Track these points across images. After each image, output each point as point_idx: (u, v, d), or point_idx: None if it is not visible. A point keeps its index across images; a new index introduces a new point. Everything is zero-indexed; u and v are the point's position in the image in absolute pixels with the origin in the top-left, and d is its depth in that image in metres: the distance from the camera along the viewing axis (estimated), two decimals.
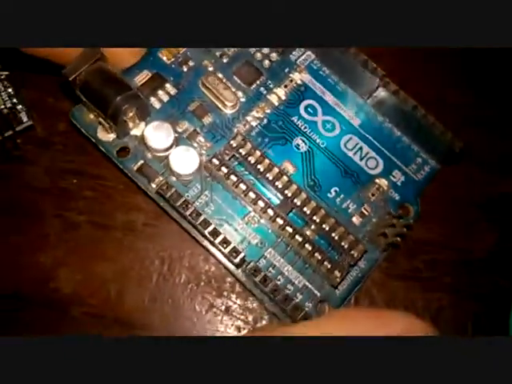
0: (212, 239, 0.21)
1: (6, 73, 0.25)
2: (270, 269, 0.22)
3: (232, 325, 0.23)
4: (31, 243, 0.23)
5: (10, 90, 0.25)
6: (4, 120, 0.24)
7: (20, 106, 0.25)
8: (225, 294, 0.23)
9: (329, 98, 0.25)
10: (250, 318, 0.23)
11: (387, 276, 0.24)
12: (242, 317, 0.23)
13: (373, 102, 0.25)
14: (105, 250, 0.24)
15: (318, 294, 0.22)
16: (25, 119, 0.25)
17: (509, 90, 0.27)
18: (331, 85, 0.25)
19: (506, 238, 0.25)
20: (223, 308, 0.23)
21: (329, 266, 0.22)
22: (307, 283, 0.22)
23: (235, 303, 0.23)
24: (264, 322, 0.23)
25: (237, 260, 0.21)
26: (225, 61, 0.25)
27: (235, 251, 0.21)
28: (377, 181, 0.24)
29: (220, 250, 0.21)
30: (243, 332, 0.23)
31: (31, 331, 0.22)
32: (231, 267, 0.22)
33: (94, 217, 0.24)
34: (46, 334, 0.22)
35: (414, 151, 0.25)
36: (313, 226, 0.23)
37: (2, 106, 0.24)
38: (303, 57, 0.26)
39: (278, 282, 0.22)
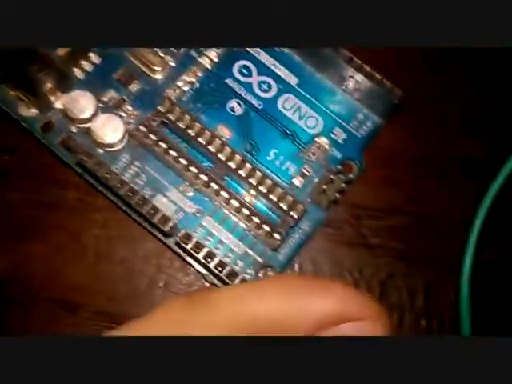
0: (139, 210, 0.20)
1: None
2: (209, 237, 0.21)
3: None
4: None
5: None
6: None
7: None
8: (163, 269, 0.22)
9: (263, 57, 0.24)
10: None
11: (332, 243, 0.23)
12: (183, 292, 0.22)
13: (310, 59, 0.24)
14: (37, 229, 0.23)
15: (260, 260, 0.21)
16: None
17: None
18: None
19: (455, 199, 0.24)
20: (162, 284, 0.22)
21: (268, 229, 0.21)
22: (248, 249, 0.21)
23: (175, 278, 0.22)
24: None
25: (167, 228, 0.20)
26: None
27: (165, 219, 0.20)
28: (317, 140, 0.23)
29: (149, 221, 0.20)
30: None
31: None
32: (163, 238, 0.21)
33: (26, 194, 0.23)
34: None
35: (355, 107, 0.24)
36: (251, 191, 0.22)
37: None
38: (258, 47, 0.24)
39: (217, 251, 0.21)
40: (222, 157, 0.21)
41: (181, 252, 0.21)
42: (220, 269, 0.20)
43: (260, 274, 0.21)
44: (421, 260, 0.23)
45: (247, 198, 0.22)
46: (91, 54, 0.23)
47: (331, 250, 0.23)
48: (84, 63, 0.23)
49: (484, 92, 0.25)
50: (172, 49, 0.23)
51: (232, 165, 0.21)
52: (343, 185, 0.21)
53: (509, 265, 0.23)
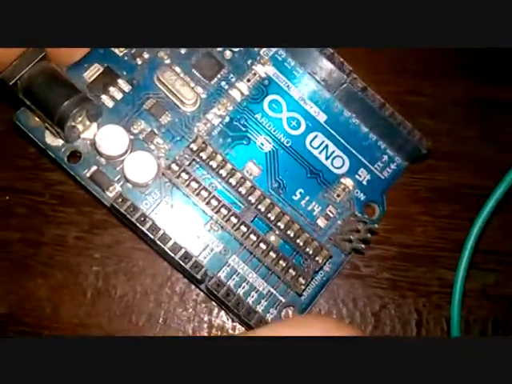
0: (173, 255, 0.20)
1: None
2: (234, 276, 0.22)
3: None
4: None
5: None
6: None
7: None
8: (162, 305, 0.23)
9: (294, 92, 0.24)
10: (189, 329, 0.23)
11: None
12: (181, 327, 0.23)
13: (340, 97, 0.24)
14: (37, 268, 0.23)
15: (283, 300, 0.22)
16: None
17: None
18: (296, 78, 0.24)
19: (445, 231, 0.24)
20: (161, 320, 0.23)
21: (293, 273, 0.21)
22: (272, 289, 0.22)
23: (173, 314, 0.23)
24: (203, 332, 0.23)
25: (199, 275, 0.20)
26: (183, 52, 0.23)
27: (196, 266, 0.20)
28: (342, 180, 0.23)
29: (181, 266, 0.20)
30: None
31: None
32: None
33: (25, 234, 0.23)
34: None
35: (381, 148, 0.24)
36: (277, 232, 0.22)
37: None
38: (267, 48, 0.24)
39: (242, 291, 0.21)
40: (251, 199, 0.21)
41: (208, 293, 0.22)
42: (248, 315, 0.20)
43: (283, 313, 0.22)
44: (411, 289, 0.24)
45: (273, 238, 0.22)
46: (120, 81, 0.22)
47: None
48: (112, 90, 0.22)
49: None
50: (204, 80, 0.23)
51: (261, 208, 0.21)
52: (368, 235, 0.22)
53: (497, 288, 0.24)
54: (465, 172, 0.25)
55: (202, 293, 0.23)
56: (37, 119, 0.21)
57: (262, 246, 0.21)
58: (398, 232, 0.24)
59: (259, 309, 0.21)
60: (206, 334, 0.23)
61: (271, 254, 0.21)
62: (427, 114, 0.26)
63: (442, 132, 0.26)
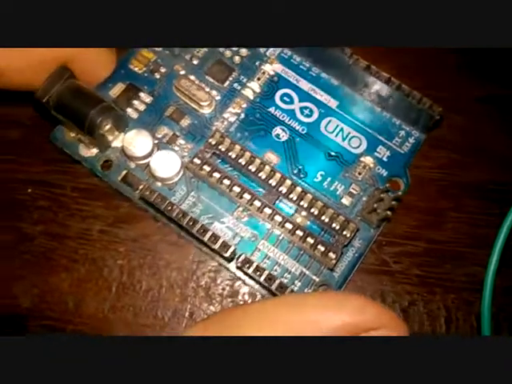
0: (201, 238, 0.21)
1: None
2: (266, 260, 0.22)
3: None
4: None
5: None
6: None
7: None
8: (188, 299, 0.23)
9: (303, 84, 0.25)
10: None
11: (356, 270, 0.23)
12: None
13: (347, 82, 0.25)
14: (61, 261, 0.23)
15: (317, 279, 0.22)
16: None
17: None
18: (304, 71, 0.25)
19: (475, 227, 0.24)
20: (187, 314, 0.23)
21: (322, 249, 0.22)
22: (304, 269, 0.22)
23: (199, 308, 0.23)
24: None
25: (227, 254, 0.21)
26: (195, 63, 0.25)
27: (225, 245, 0.21)
28: (362, 159, 0.24)
29: (210, 247, 0.21)
30: None
31: None
32: (225, 263, 0.22)
33: (49, 227, 0.24)
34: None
35: (396, 124, 0.24)
36: (302, 212, 0.22)
37: None
38: (272, 48, 0.26)
39: (275, 273, 0.22)
40: (272, 182, 0.22)
41: (241, 275, 0.22)
42: (281, 289, 0.20)
43: None
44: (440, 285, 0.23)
45: (299, 219, 0.22)
46: (142, 94, 0.24)
47: (353, 277, 0.23)
48: (136, 103, 0.24)
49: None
50: (217, 83, 0.25)
51: (283, 189, 0.22)
52: (393, 202, 0.22)
53: None
54: (492, 168, 0.25)
55: (227, 287, 0.23)
56: (71, 134, 0.23)
57: (288, 225, 0.22)
58: (427, 228, 0.24)
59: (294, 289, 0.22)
60: None
61: (298, 232, 0.22)
62: (453, 112, 0.25)
63: (469, 129, 0.26)
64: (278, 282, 0.20)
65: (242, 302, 0.23)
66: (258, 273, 0.21)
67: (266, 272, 0.21)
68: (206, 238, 0.21)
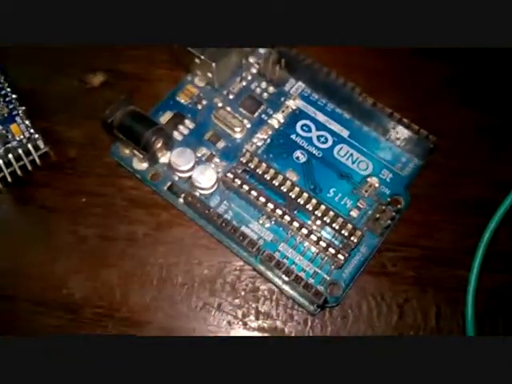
0: (232, 235, 0.25)
1: (23, 108, 0.30)
2: (284, 260, 0.26)
3: (223, 320, 0.26)
4: (47, 255, 0.27)
5: (27, 122, 0.29)
6: (24, 147, 0.29)
7: (36, 136, 0.29)
8: (216, 293, 0.27)
9: (320, 117, 0.30)
10: (240, 314, 0.26)
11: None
12: (232, 312, 0.26)
13: (357, 115, 0.30)
14: (110, 259, 0.27)
15: (328, 278, 0.26)
16: (42, 146, 0.29)
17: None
18: (321, 106, 0.30)
19: (462, 236, 0.28)
20: (215, 305, 0.27)
21: (333, 252, 0.25)
22: (317, 269, 0.26)
23: (226, 300, 0.27)
24: (251, 317, 0.26)
25: (253, 249, 0.25)
26: (231, 97, 0.30)
27: (252, 243, 0.25)
28: (368, 180, 0.28)
29: (239, 243, 0.25)
30: (233, 326, 0.26)
31: (50, 331, 0.26)
32: (250, 259, 0.26)
33: (101, 230, 0.28)
34: (63, 334, 0.25)
35: (398, 152, 0.29)
36: (317, 221, 0.27)
37: (22, 136, 0.29)
38: (295, 87, 0.31)
39: (293, 270, 0.26)
40: (292, 195, 0.27)
41: (262, 268, 0.26)
42: (299, 280, 0.24)
43: (328, 290, 0.26)
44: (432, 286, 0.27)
45: (314, 227, 0.27)
46: (186, 121, 0.29)
47: (357, 278, 0.26)
48: (181, 127, 0.29)
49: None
50: (248, 114, 0.30)
51: (301, 201, 0.26)
52: (393, 213, 0.26)
53: (508, 288, 0.26)
54: (477, 187, 0.29)
55: (250, 284, 0.27)
56: (126, 151, 0.28)
57: (304, 231, 0.26)
58: (421, 237, 0.28)
59: None
60: (253, 319, 0.26)
61: (312, 237, 0.26)
62: (447, 139, 0.29)
63: (458, 154, 0.30)
64: (294, 275, 0.24)
65: (262, 297, 0.27)
66: (279, 266, 0.25)
67: (286, 265, 0.25)
68: (235, 235, 0.25)
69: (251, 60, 0.31)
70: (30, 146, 0.29)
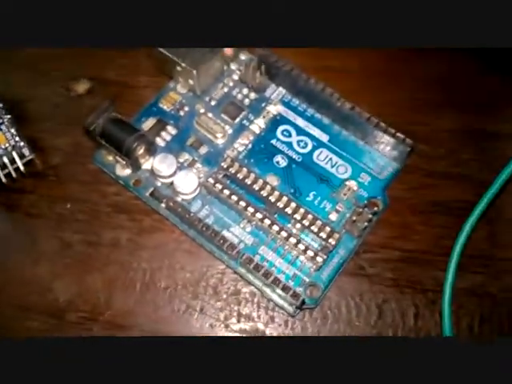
0: (213, 239, 0.26)
1: (9, 116, 0.30)
2: (264, 263, 0.27)
3: (206, 323, 0.27)
4: (32, 261, 0.28)
5: (12, 130, 0.30)
6: (9, 155, 0.29)
7: (22, 144, 0.29)
8: (199, 296, 0.27)
9: (300, 122, 0.30)
10: (222, 316, 0.27)
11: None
12: (215, 315, 0.27)
13: (336, 119, 0.30)
14: (95, 264, 0.28)
15: (307, 280, 0.26)
16: (27, 153, 0.29)
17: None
18: (301, 112, 0.31)
19: (439, 238, 0.28)
20: (198, 308, 0.27)
21: (312, 254, 0.26)
22: (297, 271, 0.27)
23: (208, 303, 0.27)
24: (233, 320, 0.27)
25: (233, 252, 0.25)
26: (213, 103, 0.31)
27: (232, 246, 0.26)
28: (347, 183, 0.29)
29: (219, 247, 0.26)
30: (215, 329, 0.27)
31: (34, 335, 0.26)
32: (231, 263, 0.27)
33: (85, 236, 0.28)
34: (48, 337, 0.26)
35: (376, 155, 0.30)
36: (296, 224, 0.27)
37: (7, 145, 0.29)
38: (276, 92, 0.31)
39: (272, 272, 0.26)
40: (272, 199, 0.27)
41: (242, 271, 0.27)
42: (277, 282, 0.25)
43: (307, 291, 0.26)
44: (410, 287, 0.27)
45: (294, 230, 0.27)
46: (168, 127, 0.30)
47: (336, 279, 0.27)
48: (164, 134, 0.30)
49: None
50: (230, 120, 0.30)
51: (280, 204, 0.27)
52: (370, 215, 0.27)
53: (483, 288, 0.27)
54: (454, 189, 0.30)
55: (232, 287, 0.27)
56: (109, 158, 0.29)
57: (284, 234, 0.27)
58: (399, 239, 0.28)
59: None
60: (235, 322, 0.27)
61: (291, 239, 0.26)
62: (424, 142, 0.30)
63: (435, 157, 0.30)
64: (273, 277, 0.25)
65: (243, 300, 0.27)
66: (258, 269, 0.25)
67: (265, 268, 0.25)
68: (216, 239, 0.26)
69: (233, 67, 0.32)
70: (15, 154, 0.29)
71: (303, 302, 0.25)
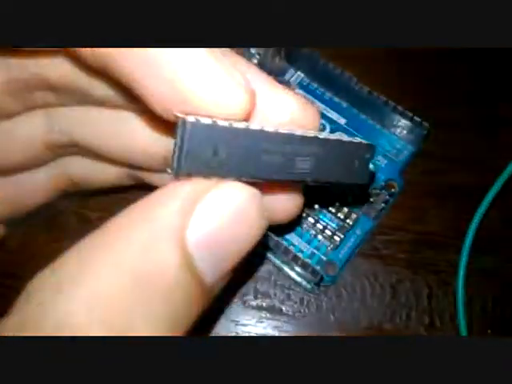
0: None
1: None
2: (283, 241, 0.27)
3: (223, 300, 0.27)
4: (54, 238, 0.28)
5: None
6: None
7: None
8: None
9: (318, 105, 0.31)
10: (240, 294, 0.27)
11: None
12: (232, 292, 0.27)
13: (354, 103, 0.31)
14: None
15: (325, 259, 0.27)
16: None
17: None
18: (319, 95, 0.31)
19: (452, 221, 0.29)
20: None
21: (329, 233, 0.27)
22: (314, 250, 0.27)
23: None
24: (250, 296, 0.27)
25: None
26: None
27: None
28: None
29: None
30: (233, 305, 0.27)
31: None
32: None
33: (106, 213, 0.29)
34: None
35: (393, 139, 0.30)
36: (314, 205, 0.28)
37: None
38: (295, 76, 0.32)
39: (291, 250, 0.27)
40: None
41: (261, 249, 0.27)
42: (296, 260, 0.25)
43: (324, 269, 0.27)
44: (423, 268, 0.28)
45: (311, 210, 0.28)
46: None
47: (352, 260, 0.28)
48: None
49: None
50: None
51: None
52: (387, 197, 0.27)
53: (496, 270, 0.28)
54: (467, 174, 0.30)
55: (249, 266, 0.28)
56: None
57: (303, 214, 0.27)
58: (413, 221, 0.29)
59: None
60: (252, 298, 0.27)
61: (310, 219, 0.27)
62: (439, 127, 0.30)
63: (450, 142, 0.31)
64: (292, 254, 0.26)
65: (261, 278, 0.28)
66: (278, 246, 0.26)
67: (283, 246, 0.26)
68: None
69: (252, 50, 0.32)
70: None
71: (321, 279, 0.26)
